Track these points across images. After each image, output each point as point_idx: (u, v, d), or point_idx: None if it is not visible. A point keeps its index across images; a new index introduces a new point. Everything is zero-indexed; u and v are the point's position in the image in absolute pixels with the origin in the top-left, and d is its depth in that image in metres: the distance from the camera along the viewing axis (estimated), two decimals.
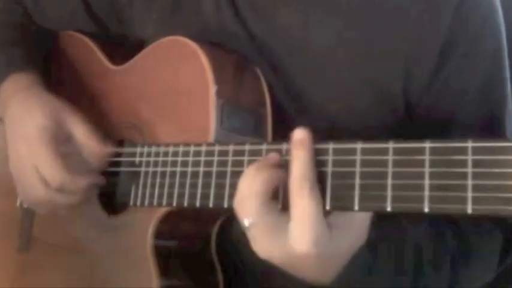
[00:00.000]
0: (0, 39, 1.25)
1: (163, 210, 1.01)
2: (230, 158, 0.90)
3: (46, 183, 1.06)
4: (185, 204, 0.95)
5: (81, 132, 1.08)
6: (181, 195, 0.96)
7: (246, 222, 0.82)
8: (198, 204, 0.93)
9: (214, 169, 0.91)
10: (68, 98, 1.13)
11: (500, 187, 0.67)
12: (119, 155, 1.11)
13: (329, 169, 0.79)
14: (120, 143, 1.14)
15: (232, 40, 1.06)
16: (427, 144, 0.72)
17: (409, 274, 0.96)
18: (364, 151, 0.77)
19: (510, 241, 1.03)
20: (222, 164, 0.90)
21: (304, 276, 0.85)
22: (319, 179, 0.79)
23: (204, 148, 0.94)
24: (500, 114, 1.02)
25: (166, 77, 1.07)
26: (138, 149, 1.05)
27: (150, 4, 1.14)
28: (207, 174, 0.92)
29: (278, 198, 0.83)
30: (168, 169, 0.99)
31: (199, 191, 0.93)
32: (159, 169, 1.01)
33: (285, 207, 0.81)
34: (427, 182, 0.71)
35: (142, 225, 1.03)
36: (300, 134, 0.81)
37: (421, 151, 0.73)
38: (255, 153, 0.87)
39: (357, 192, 0.76)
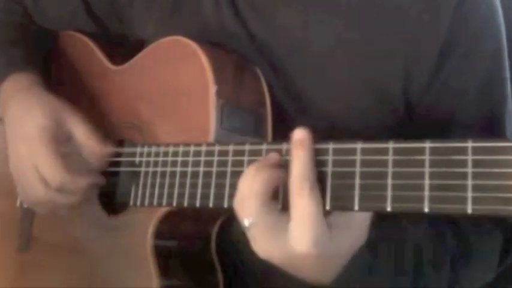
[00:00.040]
0: (0, 39, 1.26)
1: (163, 210, 1.01)
2: (230, 158, 0.90)
3: (46, 183, 1.06)
4: (185, 204, 0.95)
5: (81, 132, 1.08)
6: (181, 195, 0.96)
7: (246, 222, 0.82)
8: (198, 204, 0.93)
9: (214, 169, 0.91)
10: (68, 98, 1.13)
11: (500, 187, 0.67)
12: (119, 155, 1.11)
13: (329, 169, 0.79)
14: (120, 143, 1.14)
15: (232, 40, 1.06)
16: (427, 144, 0.72)
17: (409, 274, 0.96)
18: (364, 151, 0.77)
19: (510, 241, 1.03)
20: (222, 164, 0.90)
21: (304, 276, 0.85)
22: (319, 179, 0.80)
23: (204, 148, 0.94)
24: (500, 114, 1.02)
25: (166, 77, 1.07)
26: (138, 149, 1.05)
27: (150, 4, 1.14)
28: (207, 174, 0.92)
29: (278, 198, 0.83)
30: (168, 169, 0.99)
31: (199, 191, 0.93)
32: (159, 169, 1.01)
33: (285, 207, 0.81)
34: (427, 182, 0.71)
35: (142, 225, 1.03)
36: (300, 134, 0.81)
37: (421, 151, 0.73)
38: (255, 153, 0.87)
39: (357, 192, 0.76)
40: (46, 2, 1.29)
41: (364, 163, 0.77)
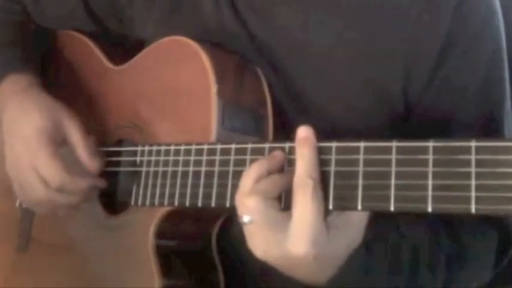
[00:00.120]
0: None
1: (165, 210, 1.01)
2: (232, 157, 0.90)
3: (46, 184, 1.06)
4: (187, 204, 0.95)
5: (75, 138, 1.09)
6: (183, 195, 0.96)
7: (245, 218, 0.82)
8: (200, 204, 0.93)
9: (216, 169, 0.91)
10: (67, 98, 1.13)
11: (503, 186, 0.67)
12: (119, 154, 1.11)
13: (332, 168, 0.80)
14: (120, 143, 1.14)
15: (232, 40, 1.06)
16: (431, 144, 0.73)
17: (405, 274, 0.96)
18: (367, 150, 0.77)
19: (506, 241, 1.04)
20: (224, 163, 0.91)
21: (300, 276, 0.86)
22: (322, 179, 0.80)
23: (205, 147, 0.94)
24: (498, 114, 1.02)
25: (166, 77, 1.07)
26: (139, 149, 1.05)
27: (150, 4, 1.14)
28: (209, 174, 0.92)
29: (280, 197, 0.83)
30: (170, 169, 0.99)
31: (201, 190, 0.93)
32: (160, 169, 1.01)
33: (287, 207, 0.81)
34: (430, 182, 0.72)
35: (143, 224, 1.03)
36: (304, 132, 0.82)
37: (424, 150, 0.73)
38: (258, 151, 0.88)
39: (360, 192, 0.77)
40: (46, 1, 1.28)
41: (367, 162, 0.77)
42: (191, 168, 0.95)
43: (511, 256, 1.05)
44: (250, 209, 0.81)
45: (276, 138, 1.00)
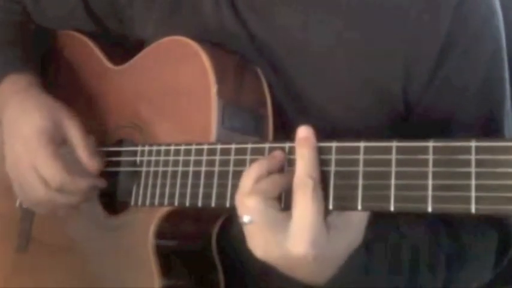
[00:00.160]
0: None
1: (165, 210, 1.01)
2: (232, 157, 0.90)
3: (46, 184, 1.06)
4: (187, 204, 0.95)
5: (75, 139, 1.09)
6: (183, 195, 0.96)
7: (245, 218, 0.82)
8: (200, 204, 0.93)
9: (216, 169, 0.91)
10: (67, 98, 1.13)
11: (503, 187, 0.67)
12: (119, 154, 1.11)
13: (332, 168, 0.80)
14: (120, 142, 1.14)
15: (232, 40, 1.06)
16: (431, 144, 0.73)
17: (405, 274, 0.96)
18: (367, 150, 0.77)
19: (506, 241, 1.04)
20: (224, 163, 0.91)
21: (300, 276, 0.86)
22: (322, 179, 0.80)
23: (205, 146, 0.94)
24: (498, 114, 1.02)
25: (166, 77, 1.07)
26: (139, 149, 1.05)
27: (150, 4, 1.14)
28: (209, 174, 0.92)
29: (280, 197, 0.83)
30: (170, 169, 0.99)
31: (201, 190, 0.93)
32: (160, 169, 1.01)
33: (287, 207, 0.81)
34: (430, 182, 0.72)
35: (143, 224, 1.03)
36: (304, 132, 0.82)
37: (424, 150, 0.73)
38: (258, 151, 0.88)
39: (360, 192, 0.77)
40: (46, 1, 1.28)
41: (367, 162, 0.77)
42: (191, 168, 0.95)
43: (511, 256, 1.05)
44: (250, 209, 0.81)
45: (276, 138, 1.00)
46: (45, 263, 1.22)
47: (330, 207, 0.79)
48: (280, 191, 0.83)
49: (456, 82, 0.98)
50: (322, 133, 0.82)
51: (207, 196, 0.92)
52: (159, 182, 1.01)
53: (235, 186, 0.86)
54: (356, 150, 0.78)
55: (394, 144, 0.75)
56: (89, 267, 1.14)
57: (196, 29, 1.09)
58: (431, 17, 0.96)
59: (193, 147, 0.95)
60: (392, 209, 0.74)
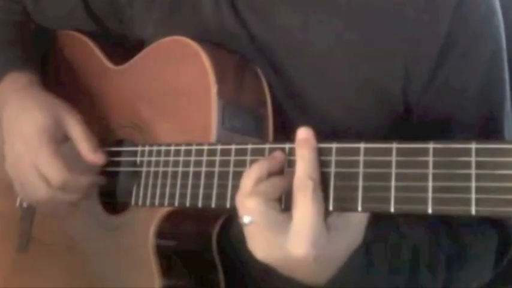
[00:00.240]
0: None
1: (165, 210, 1.01)
2: (232, 158, 0.90)
3: (48, 182, 1.06)
4: (187, 204, 0.95)
5: (76, 134, 1.09)
6: (183, 196, 0.96)
7: (245, 219, 0.82)
8: (200, 204, 0.93)
9: (216, 169, 0.91)
10: (67, 98, 1.13)
11: (503, 189, 0.68)
12: (119, 154, 1.11)
13: (332, 170, 0.80)
14: (120, 143, 1.14)
15: (232, 40, 1.06)
16: (431, 145, 0.73)
17: (405, 274, 0.96)
18: (368, 151, 0.77)
19: (505, 242, 1.04)
20: (224, 164, 0.91)
21: (300, 277, 0.86)
22: (322, 180, 0.80)
23: (206, 147, 0.94)
24: (498, 115, 1.02)
25: (166, 77, 1.07)
26: (139, 149, 1.05)
27: (150, 4, 1.14)
28: (209, 175, 0.92)
29: (281, 198, 0.83)
30: (170, 169, 0.99)
31: (201, 191, 0.93)
32: (160, 169, 1.01)
33: (287, 208, 0.82)
34: (430, 183, 0.72)
35: (144, 224, 1.03)
36: (303, 133, 0.82)
37: (424, 152, 0.73)
38: (258, 152, 0.88)
39: (360, 194, 0.77)
40: (46, 1, 1.28)
41: (367, 164, 0.77)
42: (191, 169, 0.95)
43: (511, 256, 1.05)
44: (250, 210, 0.81)
45: (276, 139, 1.00)
46: (45, 263, 1.22)
47: (330, 208, 0.79)
48: (281, 192, 0.83)
49: (456, 82, 0.98)
50: (322, 133, 0.82)
51: (207, 197, 0.92)
52: (159, 182, 1.01)
53: (235, 187, 0.86)
54: (356, 152, 0.78)
55: (394, 145, 0.75)
56: (89, 267, 1.14)
57: (196, 29, 1.08)
58: (431, 17, 0.96)
59: (194, 147, 0.95)
60: (392, 210, 0.74)
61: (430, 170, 0.72)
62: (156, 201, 1.01)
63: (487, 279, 1.07)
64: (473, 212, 0.68)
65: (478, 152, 0.70)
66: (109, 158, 1.10)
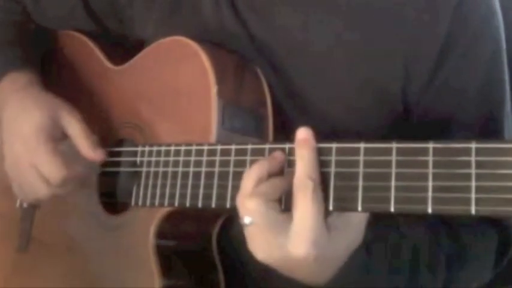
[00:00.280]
0: None
1: (165, 210, 1.01)
2: (232, 158, 0.90)
3: (47, 182, 1.06)
4: (187, 204, 0.95)
5: (75, 132, 1.09)
6: (183, 196, 0.96)
7: (246, 220, 0.82)
8: (200, 204, 0.93)
9: (216, 169, 0.91)
10: (68, 98, 1.13)
11: (503, 188, 0.67)
12: (119, 154, 1.11)
13: (332, 170, 0.80)
14: (120, 143, 1.14)
15: (232, 40, 1.06)
16: (431, 145, 0.73)
17: (405, 274, 0.96)
18: (368, 151, 0.77)
19: (505, 242, 1.04)
20: (224, 164, 0.91)
21: (300, 277, 0.86)
22: (322, 180, 0.80)
23: (206, 147, 0.94)
24: (498, 115, 1.02)
25: (166, 77, 1.07)
26: (139, 149, 1.05)
27: (150, 4, 1.14)
28: (209, 175, 0.92)
29: (281, 198, 0.83)
30: (170, 169, 0.99)
31: (201, 191, 0.93)
32: (160, 169, 1.01)
33: (287, 208, 0.82)
34: (430, 183, 0.72)
35: (144, 224, 1.03)
36: (303, 133, 0.82)
37: (424, 152, 0.73)
38: (258, 152, 0.87)
39: (360, 194, 0.77)
40: (46, 1, 1.28)
41: (367, 164, 0.77)
42: (191, 169, 0.95)
43: (511, 256, 1.05)
44: (251, 211, 0.81)
45: (276, 139, 1.00)
46: (45, 263, 1.22)
47: (330, 208, 0.79)
48: (281, 192, 0.83)
49: (456, 82, 0.98)
50: (322, 133, 0.82)
51: (207, 197, 0.92)
52: (159, 182, 1.00)
53: (235, 187, 0.86)
54: (356, 152, 0.78)
55: (394, 145, 0.75)
56: (89, 267, 1.14)
57: (196, 29, 1.08)
58: (431, 17, 0.96)
59: (194, 147, 0.95)
60: (392, 210, 0.74)
61: (430, 170, 0.72)
62: (156, 202, 1.01)
63: (487, 279, 1.07)
64: (473, 211, 0.68)
65: (478, 151, 0.70)
66: (109, 158, 1.10)
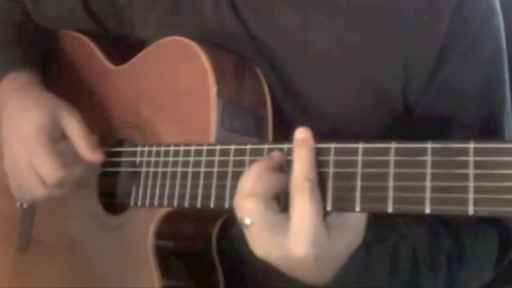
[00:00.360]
0: None
1: (164, 210, 1.01)
2: (231, 158, 0.90)
3: (44, 183, 1.06)
4: (186, 205, 0.95)
5: (74, 132, 1.09)
6: (182, 196, 0.96)
7: (245, 220, 0.82)
8: (199, 205, 0.93)
9: (215, 169, 0.91)
10: (68, 98, 1.13)
11: (502, 188, 0.67)
12: (119, 155, 1.11)
13: (330, 170, 0.80)
14: (120, 143, 1.14)
15: (232, 40, 1.06)
16: (429, 145, 0.72)
17: (405, 274, 0.96)
18: (366, 151, 0.77)
19: (506, 242, 1.04)
20: (224, 164, 0.91)
21: (301, 277, 0.86)
22: (320, 180, 0.80)
23: (205, 147, 0.94)
24: (499, 115, 1.02)
25: (166, 77, 1.07)
26: (139, 150, 1.05)
27: (150, 4, 1.14)
28: (208, 175, 0.92)
29: (279, 198, 0.83)
30: (169, 169, 0.99)
31: (200, 191, 0.93)
32: (160, 169, 1.01)
33: (286, 208, 0.81)
34: (428, 183, 0.72)
35: (143, 225, 1.03)
36: (301, 134, 0.81)
37: (423, 152, 0.73)
38: (257, 152, 0.87)
39: (358, 194, 0.77)
40: (46, 1, 1.28)
41: (365, 164, 0.77)
42: (190, 169, 0.95)
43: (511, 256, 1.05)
44: (249, 211, 0.81)
45: (276, 139, 1.00)
46: (45, 263, 1.22)
47: (328, 208, 0.79)
48: (279, 192, 0.82)
49: (456, 82, 0.98)
50: (322, 133, 0.82)
51: (206, 197, 0.92)
52: (158, 182, 1.00)
53: (234, 188, 0.86)
54: (354, 152, 0.78)
55: (393, 145, 0.75)
56: (89, 267, 1.14)
57: (196, 29, 1.08)
58: (431, 17, 0.96)
59: (193, 148, 0.95)
60: (390, 210, 0.74)
61: (429, 170, 0.72)
62: (156, 202, 1.01)
63: (487, 279, 1.07)
64: (471, 212, 0.68)
65: (477, 151, 0.69)
66: (109, 158, 1.10)
